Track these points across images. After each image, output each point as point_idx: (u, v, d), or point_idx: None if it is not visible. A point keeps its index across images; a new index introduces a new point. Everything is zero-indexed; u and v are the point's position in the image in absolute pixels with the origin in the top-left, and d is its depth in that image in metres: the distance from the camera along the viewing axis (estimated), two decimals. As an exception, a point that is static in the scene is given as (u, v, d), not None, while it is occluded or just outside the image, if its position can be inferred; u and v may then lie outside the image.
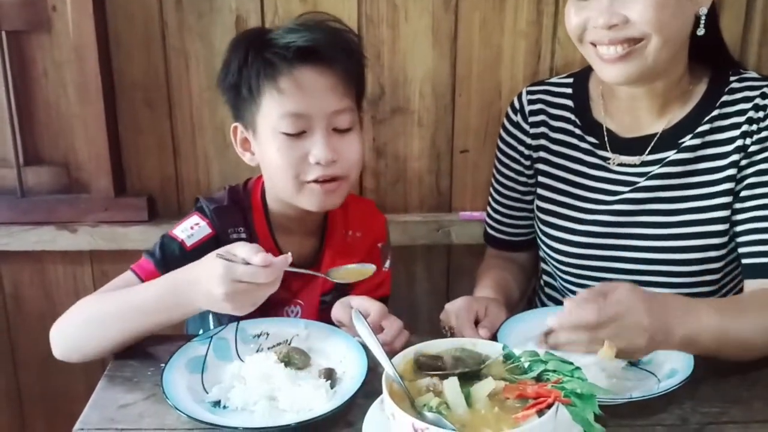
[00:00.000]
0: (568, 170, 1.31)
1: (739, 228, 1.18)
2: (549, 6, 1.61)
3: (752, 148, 1.18)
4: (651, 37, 1.10)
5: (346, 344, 1.06)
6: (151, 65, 1.63)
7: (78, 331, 1.11)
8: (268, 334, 1.10)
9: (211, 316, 1.24)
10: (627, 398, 0.95)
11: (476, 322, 1.14)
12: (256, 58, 1.15)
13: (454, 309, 1.16)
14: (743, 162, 1.18)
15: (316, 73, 1.14)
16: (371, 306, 1.10)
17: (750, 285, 1.16)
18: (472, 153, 1.72)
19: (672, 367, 1.02)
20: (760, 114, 1.18)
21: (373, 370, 0.97)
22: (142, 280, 1.15)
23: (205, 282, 1.00)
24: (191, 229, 1.20)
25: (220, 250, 1.01)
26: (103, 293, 1.14)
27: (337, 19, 1.24)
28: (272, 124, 1.15)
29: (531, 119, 1.35)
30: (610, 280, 1.26)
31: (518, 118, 1.36)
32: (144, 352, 1.11)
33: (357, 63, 1.22)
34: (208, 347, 1.07)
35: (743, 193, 1.18)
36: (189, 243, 1.18)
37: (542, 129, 1.34)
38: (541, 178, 1.34)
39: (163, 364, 1.03)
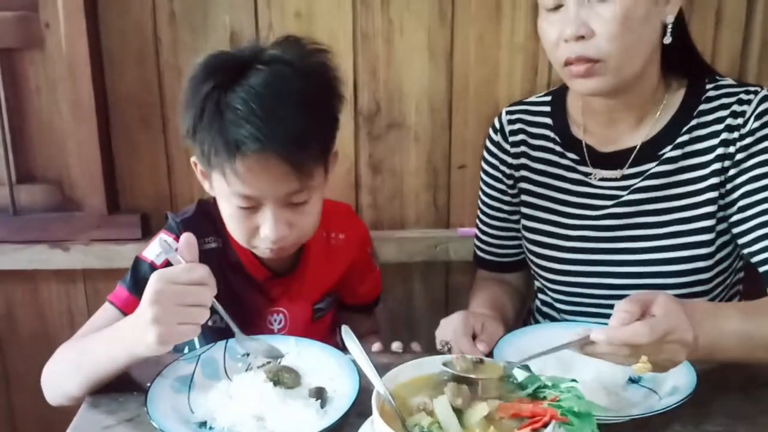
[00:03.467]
0: (550, 187, 1.30)
1: (746, 238, 1.16)
2: (545, 20, 1.60)
3: (738, 156, 1.16)
4: (614, 55, 1.09)
5: (338, 362, 1.03)
6: (145, 82, 1.62)
7: (60, 379, 1.09)
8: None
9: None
10: (628, 416, 0.92)
11: (474, 337, 1.11)
12: (208, 129, 1.05)
13: (451, 324, 1.13)
14: (731, 171, 1.16)
15: (266, 166, 1.04)
16: None
17: None
18: (470, 169, 1.70)
19: (673, 385, 0.99)
20: (739, 120, 1.16)
21: (365, 389, 0.94)
22: (120, 309, 1.14)
23: (137, 314, 0.96)
24: (159, 247, 1.16)
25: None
26: (77, 340, 1.13)
27: (314, 60, 1.11)
28: (224, 193, 1.10)
29: (511, 139, 1.34)
30: (601, 296, 1.25)
31: (498, 138, 1.36)
32: (130, 372, 1.08)
33: (321, 138, 1.11)
34: (196, 366, 1.04)
35: (742, 203, 1.16)
36: (159, 261, 1.16)
37: (523, 148, 1.33)
38: (524, 197, 1.33)
39: (148, 384, 0.99)
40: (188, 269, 0.97)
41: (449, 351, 1.10)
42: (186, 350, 1.17)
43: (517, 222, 1.37)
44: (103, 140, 1.61)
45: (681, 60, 1.21)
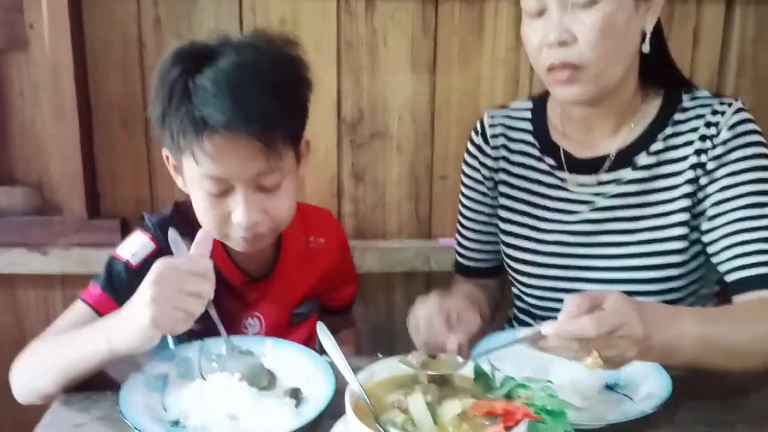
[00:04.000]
0: (528, 191, 1.31)
1: (714, 248, 1.17)
2: (527, 33, 1.62)
3: (710, 166, 1.17)
4: (594, 62, 1.11)
5: (314, 364, 1.03)
6: (128, 86, 1.62)
7: (31, 376, 1.07)
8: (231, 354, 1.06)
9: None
10: (605, 422, 0.92)
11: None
12: (176, 112, 1.05)
13: (425, 313, 1.07)
14: (703, 180, 1.18)
15: (235, 145, 1.03)
16: None
17: (738, 300, 1.14)
18: (451, 179, 1.71)
19: (648, 391, 0.99)
20: (713, 130, 1.18)
21: (341, 390, 0.93)
22: (94, 308, 1.13)
23: (136, 296, 0.96)
24: (135, 246, 1.17)
25: None
26: (50, 337, 1.11)
27: (281, 47, 1.11)
28: (194, 179, 1.09)
29: (492, 142, 1.35)
30: None
31: (480, 141, 1.37)
32: (103, 371, 1.06)
33: (290, 120, 1.09)
34: (171, 366, 1.03)
35: (711, 212, 1.17)
36: (134, 262, 1.15)
37: (503, 152, 1.34)
38: (503, 201, 1.34)
39: (122, 383, 0.98)
40: (193, 260, 0.98)
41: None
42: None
43: (494, 226, 1.37)
44: (84, 144, 1.61)
45: (658, 70, 1.23)
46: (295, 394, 0.97)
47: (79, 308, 1.14)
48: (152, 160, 1.67)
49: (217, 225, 1.12)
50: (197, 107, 1.02)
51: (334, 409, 0.92)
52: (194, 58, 1.07)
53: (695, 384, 1.03)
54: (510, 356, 1.00)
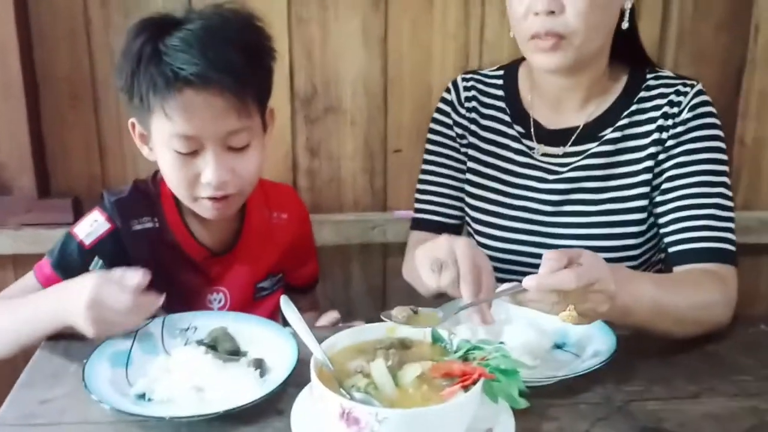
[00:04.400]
0: (496, 156, 1.34)
1: (663, 219, 1.23)
2: (476, 8, 1.66)
3: (669, 143, 1.23)
4: (580, 32, 1.15)
5: (277, 335, 1.05)
6: (75, 62, 1.60)
7: None
8: (196, 328, 1.08)
9: None
10: (554, 378, 0.97)
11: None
12: (146, 69, 1.07)
13: (458, 249, 0.99)
14: (661, 156, 1.24)
15: (206, 98, 1.06)
16: None
17: (678, 270, 1.21)
18: (406, 152, 1.74)
19: (595, 349, 1.05)
20: (675, 110, 1.24)
21: (304, 360, 0.96)
22: (39, 282, 1.16)
23: (75, 289, 1.01)
24: (90, 226, 1.18)
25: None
26: (2, 301, 1.14)
27: (246, 16, 1.15)
28: (164, 139, 1.10)
29: (465, 104, 1.37)
30: (536, 264, 1.29)
31: (453, 98, 1.38)
32: (67, 349, 1.07)
33: (257, 79, 1.13)
34: (133, 341, 1.04)
35: (664, 186, 1.24)
36: (87, 242, 1.17)
37: (474, 115, 1.37)
38: (471, 164, 1.37)
39: (85, 360, 0.99)
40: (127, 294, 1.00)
41: (440, 271, 1.00)
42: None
43: (460, 185, 1.38)
44: (32, 121, 1.58)
45: (627, 48, 1.27)
46: (259, 365, 0.99)
47: (30, 281, 1.17)
48: (102, 136, 1.65)
49: (186, 186, 1.13)
50: (168, 63, 1.05)
51: (298, 379, 0.94)
52: (161, 26, 1.09)
53: (637, 342, 1.09)
54: (464, 321, 1.06)
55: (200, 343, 1.03)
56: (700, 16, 1.72)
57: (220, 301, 1.27)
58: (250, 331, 1.08)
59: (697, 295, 1.11)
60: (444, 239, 1.02)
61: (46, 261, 1.18)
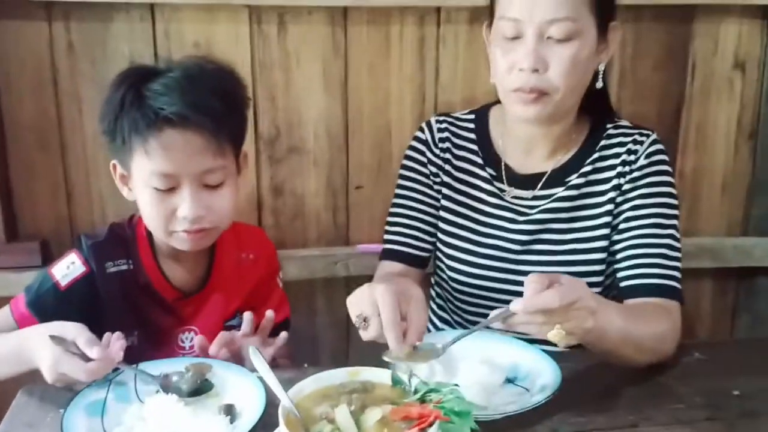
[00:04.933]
0: (469, 197, 1.42)
1: (618, 256, 1.34)
2: (431, 52, 1.75)
3: (626, 187, 1.34)
4: (561, 89, 1.24)
5: (245, 380, 1.11)
6: (43, 110, 1.64)
7: None
8: (167, 375, 1.13)
9: None
10: (503, 414, 1.05)
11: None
12: (128, 112, 1.16)
13: (379, 298, 1.03)
14: (619, 199, 1.35)
15: (185, 137, 1.15)
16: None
17: (628, 302, 1.31)
18: (367, 189, 1.82)
19: (542, 383, 1.13)
20: (632, 157, 1.35)
21: (272, 403, 1.02)
22: (16, 322, 1.21)
23: (37, 358, 1.08)
24: (67, 268, 1.24)
25: (53, 330, 1.08)
26: None
27: (223, 66, 1.26)
28: (143, 177, 1.19)
29: (440, 144, 1.44)
30: (505, 301, 1.37)
31: (427, 137, 1.44)
32: (44, 398, 1.11)
33: (233, 122, 1.23)
34: (108, 390, 1.08)
35: (621, 226, 1.34)
36: (63, 283, 1.23)
37: (448, 156, 1.43)
38: (444, 202, 1.44)
39: (62, 409, 1.04)
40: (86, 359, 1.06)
41: (365, 324, 1.05)
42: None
43: (431, 220, 1.44)
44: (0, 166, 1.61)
45: (596, 102, 1.36)
46: (229, 410, 1.05)
47: (4, 316, 1.23)
48: (70, 180, 1.69)
49: (163, 221, 1.20)
50: (150, 105, 1.15)
51: (267, 421, 1.01)
52: (143, 74, 1.19)
53: (582, 375, 1.19)
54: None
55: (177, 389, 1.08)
56: (640, 56, 1.84)
57: (191, 340, 1.33)
58: (219, 376, 1.13)
59: (653, 325, 1.21)
60: (366, 290, 1.07)
61: (22, 298, 1.24)
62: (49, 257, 1.68)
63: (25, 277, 1.62)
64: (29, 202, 1.68)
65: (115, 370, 1.11)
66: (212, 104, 1.16)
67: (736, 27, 1.84)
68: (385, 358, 1.02)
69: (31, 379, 1.15)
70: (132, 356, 1.16)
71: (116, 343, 1.09)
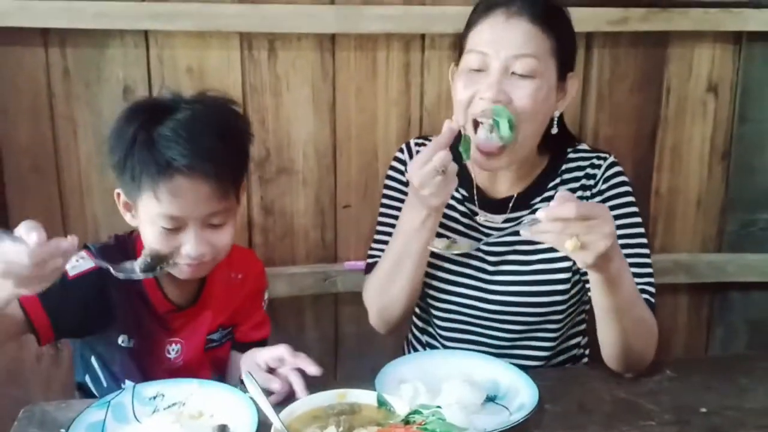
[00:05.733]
0: (444, 216, 1.45)
1: (588, 277, 1.39)
2: (416, 77, 1.81)
3: None
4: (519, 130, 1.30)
5: (238, 401, 1.16)
6: (38, 133, 1.68)
7: None
8: (163, 395, 1.18)
9: (95, 363, 1.35)
10: None
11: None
12: (139, 153, 1.21)
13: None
14: None
15: (194, 185, 1.21)
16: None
17: None
18: (354, 208, 1.87)
19: (520, 402, 1.20)
20: (591, 182, 1.42)
21: (264, 423, 1.07)
22: (20, 303, 1.22)
23: None
24: (76, 261, 1.28)
25: None
26: None
27: (226, 104, 1.31)
28: (150, 216, 1.24)
29: None
30: (476, 316, 1.45)
31: (406, 158, 1.50)
32: (45, 419, 1.16)
33: (238, 165, 1.30)
34: (107, 411, 1.13)
35: None
36: (71, 273, 1.26)
37: None
38: None
39: (63, 430, 1.08)
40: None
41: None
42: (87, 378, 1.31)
43: None
44: (-4, 189, 1.65)
45: (557, 134, 1.41)
46: (223, 430, 1.10)
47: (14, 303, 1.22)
48: (64, 201, 1.73)
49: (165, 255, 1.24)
50: (161, 151, 1.20)
51: (259, 441, 1.06)
52: (152, 112, 1.24)
53: (558, 394, 1.25)
54: (409, 380, 1.19)
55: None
56: (617, 79, 1.91)
57: (177, 351, 1.38)
58: (213, 396, 1.18)
59: (649, 313, 1.30)
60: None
61: None
62: (44, 276, 1.72)
63: (20, 296, 1.67)
64: (25, 223, 1.72)
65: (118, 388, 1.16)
66: (219, 152, 1.23)
67: (709, 52, 1.91)
68: (429, 248, 1.27)
69: (33, 399, 1.19)
70: (130, 356, 1.22)
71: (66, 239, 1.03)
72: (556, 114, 1.38)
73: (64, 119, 1.68)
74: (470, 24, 1.36)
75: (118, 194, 1.31)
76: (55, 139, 1.69)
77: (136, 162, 1.21)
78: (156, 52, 1.67)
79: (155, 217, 1.23)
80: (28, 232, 0.98)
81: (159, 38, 1.67)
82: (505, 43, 1.29)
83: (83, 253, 1.30)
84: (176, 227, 1.24)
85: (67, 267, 1.24)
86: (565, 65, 1.36)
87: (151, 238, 1.26)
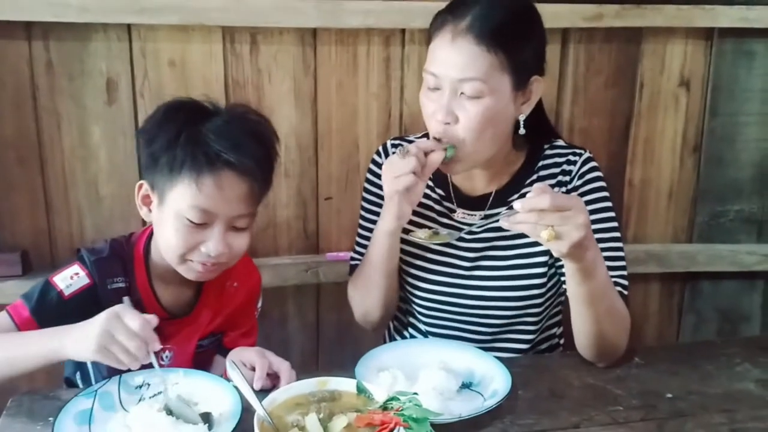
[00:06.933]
0: (422, 216, 1.51)
1: (563, 270, 1.41)
2: (396, 71, 1.84)
3: None
4: (466, 142, 1.32)
5: (221, 389, 1.20)
6: (22, 125, 1.69)
7: None
8: (149, 384, 1.22)
9: (89, 363, 1.36)
10: (457, 417, 1.16)
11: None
12: (186, 146, 1.22)
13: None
14: None
15: (237, 181, 1.24)
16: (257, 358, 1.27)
17: None
18: (335, 199, 1.91)
19: (494, 389, 1.25)
20: (567, 178, 1.45)
21: (247, 410, 1.11)
22: (17, 326, 1.24)
23: (85, 326, 1.13)
24: (71, 278, 1.29)
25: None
26: None
27: (264, 118, 1.36)
28: (179, 208, 1.24)
29: None
30: (456, 312, 1.50)
31: (382, 160, 1.53)
32: (33, 408, 1.19)
33: (271, 173, 1.33)
34: (94, 400, 1.17)
35: None
36: (67, 292, 1.28)
37: None
38: None
39: (51, 418, 1.12)
40: (139, 324, 1.14)
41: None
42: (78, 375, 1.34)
43: None
44: (-20, 181, 1.66)
45: (535, 130, 1.44)
46: (207, 418, 1.14)
47: (4, 321, 1.25)
48: (48, 193, 1.75)
49: (183, 250, 1.27)
50: (211, 145, 1.22)
51: (243, 428, 1.10)
52: (195, 111, 1.29)
53: (530, 380, 1.30)
54: (387, 368, 1.24)
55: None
56: (592, 74, 1.96)
57: (168, 359, 1.39)
58: (198, 385, 1.22)
59: (621, 304, 1.35)
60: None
61: (22, 305, 1.27)
62: (29, 267, 1.75)
63: (6, 287, 1.69)
64: (9, 215, 1.74)
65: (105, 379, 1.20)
66: (261, 156, 1.28)
67: (681, 47, 1.97)
68: (410, 238, 1.34)
69: (19, 389, 1.22)
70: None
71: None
72: (521, 117, 1.39)
73: (47, 112, 1.70)
74: (429, 35, 1.38)
75: (140, 185, 1.32)
76: (39, 132, 1.70)
77: (179, 153, 1.22)
78: (139, 46, 1.69)
79: (187, 208, 1.23)
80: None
81: (142, 32, 1.69)
82: (450, 65, 1.31)
83: (77, 267, 1.31)
84: (203, 222, 1.25)
85: (62, 286, 1.28)
86: (524, 73, 1.35)
87: (171, 232, 1.26)
